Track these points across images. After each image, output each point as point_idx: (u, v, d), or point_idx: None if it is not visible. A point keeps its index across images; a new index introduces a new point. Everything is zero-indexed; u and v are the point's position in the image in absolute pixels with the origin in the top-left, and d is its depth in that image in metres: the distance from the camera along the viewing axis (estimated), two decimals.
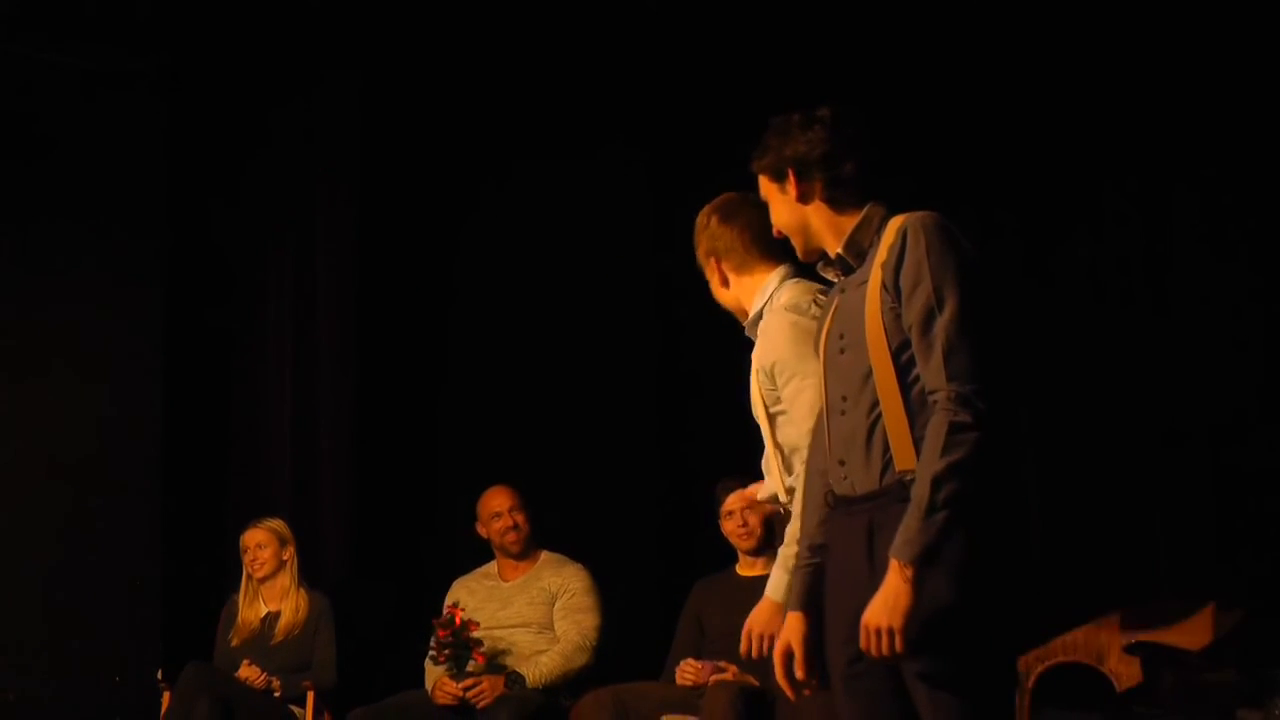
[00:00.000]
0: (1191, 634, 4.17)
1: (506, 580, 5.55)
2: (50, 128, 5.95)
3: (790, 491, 3.28)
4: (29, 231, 5.96)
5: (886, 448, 2.80)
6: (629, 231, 6.17)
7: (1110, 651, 4.18)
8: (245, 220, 6.35)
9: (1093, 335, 5.45)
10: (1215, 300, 5.27)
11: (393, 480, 6.18)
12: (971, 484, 2.67)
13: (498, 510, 5.54)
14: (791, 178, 2.98)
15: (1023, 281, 5.53)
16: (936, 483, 2.66)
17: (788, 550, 3.21)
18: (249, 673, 5.46)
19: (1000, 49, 5.55)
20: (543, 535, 5.59)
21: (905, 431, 2.78)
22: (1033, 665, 4.25)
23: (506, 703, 5.09)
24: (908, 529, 2.68)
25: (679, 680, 4.94)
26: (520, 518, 5.52)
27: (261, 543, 5.72)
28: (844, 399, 2.90)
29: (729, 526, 5.16)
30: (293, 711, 5.49)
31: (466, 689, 5.16)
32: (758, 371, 3.34)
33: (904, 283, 2.79)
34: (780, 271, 3.42)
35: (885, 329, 2.81)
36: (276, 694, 5.47)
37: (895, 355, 2.80)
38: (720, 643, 4.96)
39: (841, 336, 2.92)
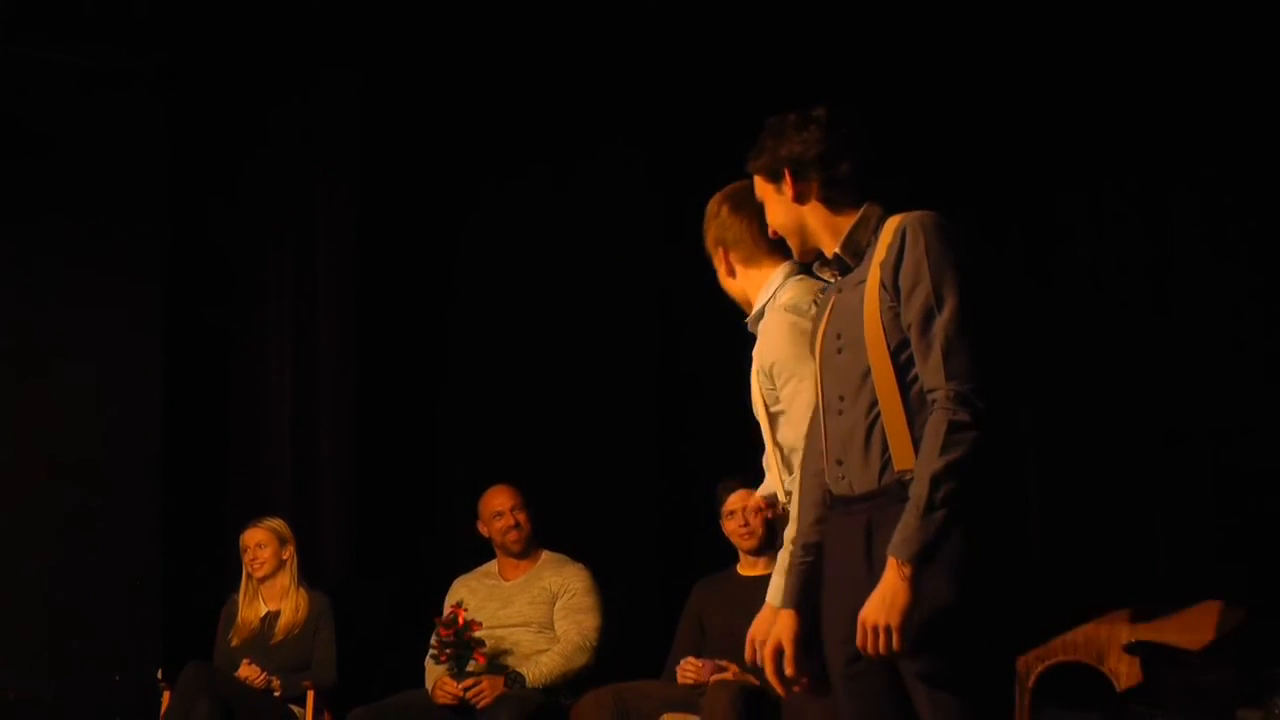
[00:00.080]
0: (1191, 633, 4.17)
1: (507, 579, 5.55)
2: (49, 127, 5.95)
3: (789, 493, 3.28)
4: (28, 231, 5.96)
5: (885, 447, 2.81)
6: (629, 231, 6.16)
7: (1110, 651, 4.18)
8: (245, 220, 6.35)
9: (1093, 335, 5.45)
10: (1215, 300, 5.26)
11: (393, 480, 6.18)
12: (970, 483, 2.67)
13: (499, 509, 5.54)
14: (788, 178, 2.98)
15: (1023, 281, 5.53)
16: (935, 481, 2.66)
17: (785, 553, 3.21)
18: (249, 672, 5.46)
19: (1000, 48, 5.55)
20: (543, 535, 5.59)
21: (904, 431, 2.78)
22: (1033, 665, 4.24)
23: (507, 702, 5.09)
24: (906, 527, 2.68)
25: (680, 679, 4.95)
26: (522, 517, 5.53)
27: (261, 542, 5.72)
28: (841, 398, 2.90)
29: (730, 526, 5.16)
30: (293, 711, 5.49)
31: (467, 689, 5.16)
32: (758, 371, 3.33)
33: (903, 282, 2.79)
34: (785, 268, 3.39)
35: (884, 328, 2.81)
36: (276, 693, 5.48)
37: (894, 355, 2.80)
38: (721, 642, 4.96)
39: (839, 336, 2.92)
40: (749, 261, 3.45)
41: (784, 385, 3.26)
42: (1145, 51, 5.34)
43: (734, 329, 3.57)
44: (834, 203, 2.97)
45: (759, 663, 3.11)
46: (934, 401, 2.73)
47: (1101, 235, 5.56)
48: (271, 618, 5.69)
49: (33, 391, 5.91)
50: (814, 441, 3.02)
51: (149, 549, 6.02)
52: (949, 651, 2.71)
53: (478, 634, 5.21)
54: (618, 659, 5.34)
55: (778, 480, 3.33)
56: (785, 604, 3.01)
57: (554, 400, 6.10)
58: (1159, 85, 5.33)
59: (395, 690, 5.42)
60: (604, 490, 6.01)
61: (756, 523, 5.04)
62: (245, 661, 5.50)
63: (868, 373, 2.83)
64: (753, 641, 3.24)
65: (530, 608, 5.42)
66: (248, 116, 6.27)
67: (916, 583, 2.67)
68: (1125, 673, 4.16)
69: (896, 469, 2.78)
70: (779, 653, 2.99)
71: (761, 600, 3.14)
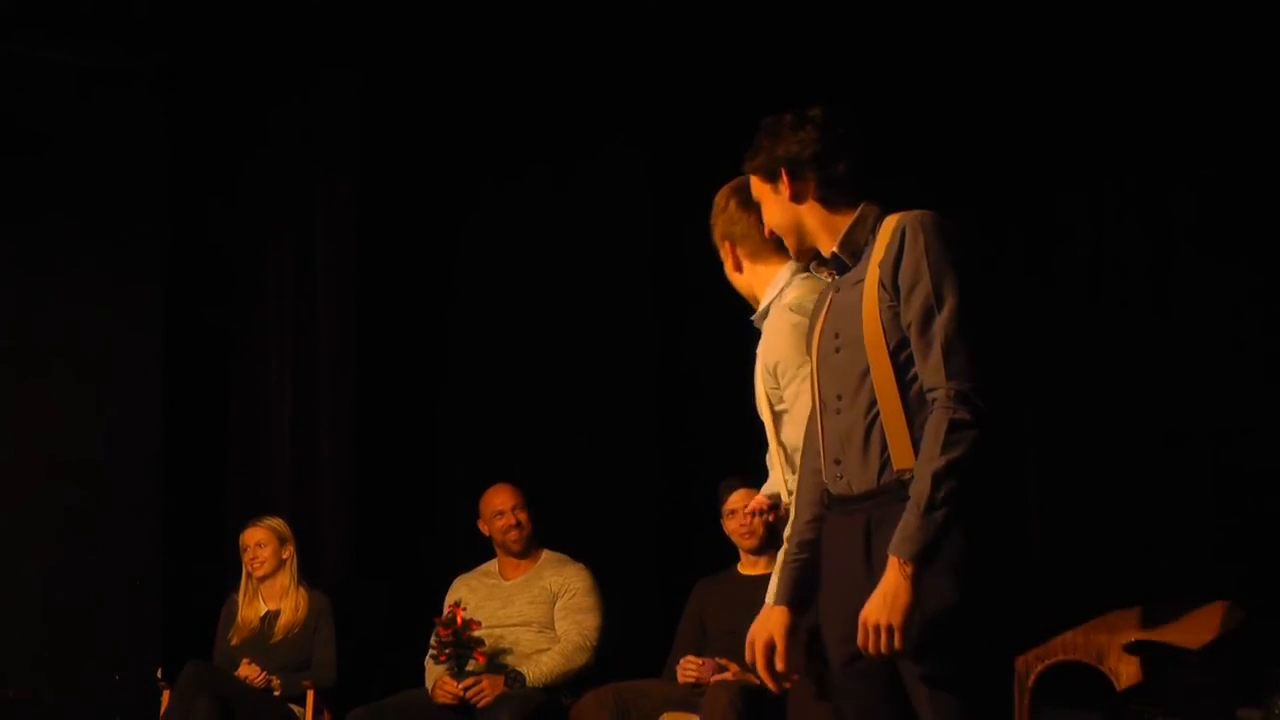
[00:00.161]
0: (1191, 633, 4.17)
1: (508, 579, 5.55)
2: (48, 126, 5.94)
3: (792, 493, 3.28)
4: (28, 231, 5.96)
5: (884, 446, 2.81)
6: (629, 231, 6.16)
7: (1110, 650, 4.18)
8: (245, 220, 6.35)
9: (1093, 335, 5.44)
10: (1215, 300, 5.26)
11: (393, 479, 6.18)
12: (971, 482, 2.67)
13: (500, 508, 5.54)
14: (785, 177, 2.98)
15: (1023, 281, 5.53)
16: (937, 480, 2.66)
17: (784, 552, 3.21)
18: (249, 671, 5.46)
19: (1000, 48, 5.54)
20: (544, 534, 5.59)
21: (903, 430, 2.78)
22: (1033, 665, 4.24)
23: (507, 702, 5.09)
24: (907, 526, 2.68)
25: (680, 677, 4.94)
26: (523, 516, 5.53)
27: (261, 541, 5.72)
28: (839, 397, 2.90)
29: (732, 525, 5.16)
30: (292, 710, 5.49)
31: (467, 688, 5.16)
32: (762, 369, 3.33)
33: (902, 281, 2.79)
34: (792, 265, 3.36)
35: (883, 327, 2.81)
36: (276, 693, 5.48)
37: (893, 354, 2.80)
38: (722, 641, 4.96)
39: (837, 335, 2.92)
40: (756, 257, 3.44)
41: (788, 385, 3.25)
42: (1145, 51, 5.33)
43: (733, 328, 3.57)
44: (831, 202, 2.97)
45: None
46: (934, 400, 2.73)
47: (1101, 235, 5.56)
48: (271, 617, 5.69)
49: (33, 391, 5.91)
50: (811, 440, 3.02)
51: (149, 549, 6.02)
52: (950, 651, 2.71)
53: (477, 633, 5.21)
54: (618, 658, 5.34)
55: (781, 479, 3.33)
56: (777, 600, 3.02)
57: (554, 400, 6.10)
58: (1158, 85, 5.32)
59: (395, 690, 5.42)
60: (604, 490, 6.00)
61: (758, 522, 5.03)
62: (245, 661, 5.50)
63: (866, 372, 2.83)
64: (751, 644, 3.24)
65: (530, 607, 5.42)
66: (248, 116, 6.27)
67: (918, 582, 2.67)
68: (1125, 672, 4.15)
69: (896, 468, 2.78)
70: (770, 648, 2.99)
71: (762, 600, 3.14)
